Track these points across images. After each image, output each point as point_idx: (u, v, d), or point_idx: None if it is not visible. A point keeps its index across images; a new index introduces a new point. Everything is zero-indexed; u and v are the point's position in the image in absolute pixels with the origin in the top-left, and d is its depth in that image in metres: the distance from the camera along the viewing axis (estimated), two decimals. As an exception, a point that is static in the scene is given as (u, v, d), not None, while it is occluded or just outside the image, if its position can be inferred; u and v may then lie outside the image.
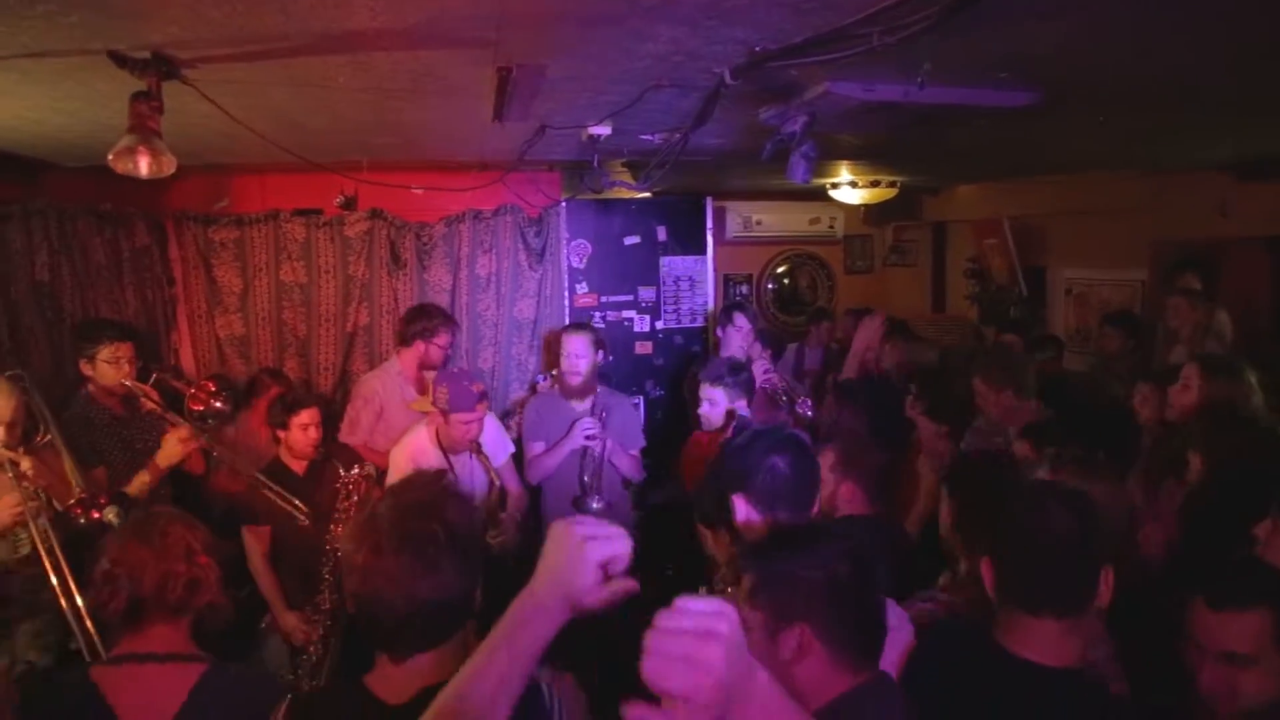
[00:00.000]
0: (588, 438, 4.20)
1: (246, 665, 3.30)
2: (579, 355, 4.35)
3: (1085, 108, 3.08)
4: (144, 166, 2.25)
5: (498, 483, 3.79)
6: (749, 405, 4.03)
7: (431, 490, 1.66)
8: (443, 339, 4.63)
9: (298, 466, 3.97)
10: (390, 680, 1.58)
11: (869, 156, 4.77)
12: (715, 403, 3.90)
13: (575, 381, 4.32)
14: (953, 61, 2.43)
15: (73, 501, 2.91)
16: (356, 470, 3.82)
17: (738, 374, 3.96)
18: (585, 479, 4.21)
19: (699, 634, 1.05)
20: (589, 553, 1.30)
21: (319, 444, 3.99)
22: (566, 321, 5.44)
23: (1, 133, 3.19)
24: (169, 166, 2.29)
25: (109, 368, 3.63)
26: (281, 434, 3.98)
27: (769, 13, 1.98)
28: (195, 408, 3.82)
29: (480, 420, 3.78)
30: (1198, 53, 2.36)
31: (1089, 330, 6.12)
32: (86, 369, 3.68)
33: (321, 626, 3.73)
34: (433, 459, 3.85)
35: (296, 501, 3.66)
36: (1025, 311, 6.40)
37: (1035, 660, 1.85)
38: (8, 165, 3.74)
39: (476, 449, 3.79)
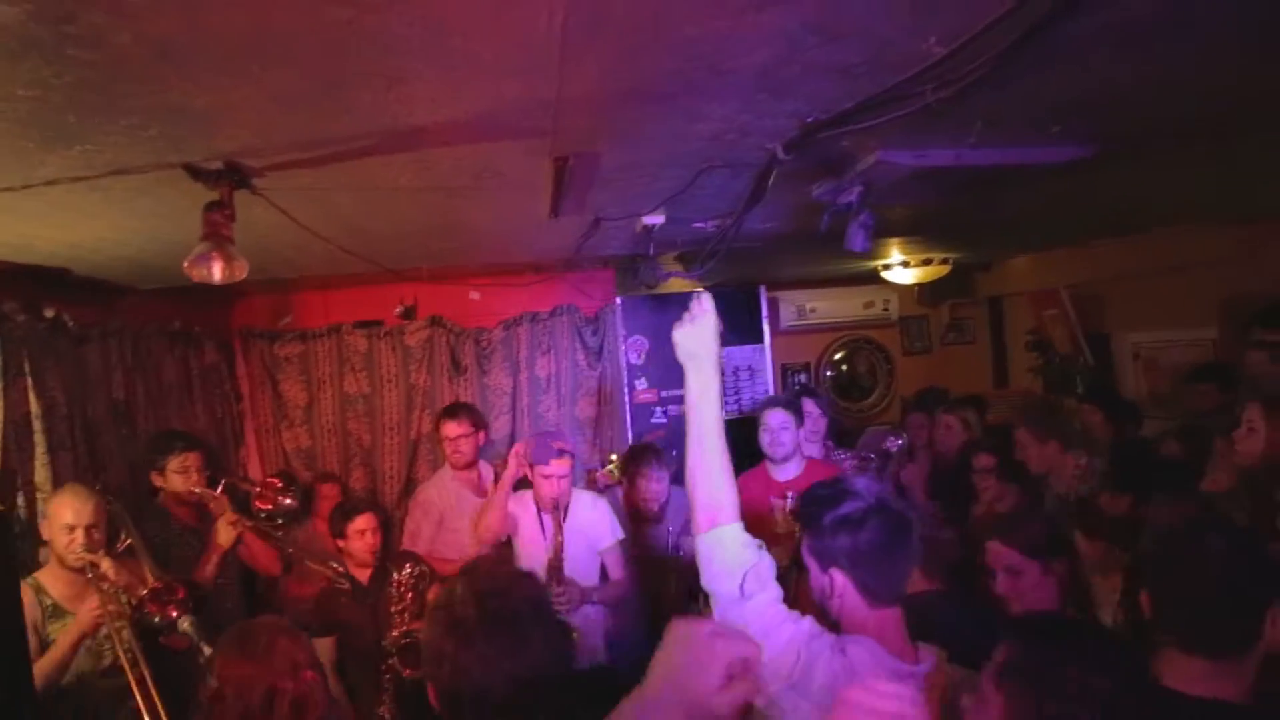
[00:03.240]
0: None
1: None
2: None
3: (1143, 156, 3.04)
4: (218, 272, 2.32)
5: (559, 538, 3.81)
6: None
7: (502, 570, 1.64)
8: (450, 428, 4.59)
9: (362, 575, 3.96)
10: None
11: (920, 232, 4.77)
12: (786, 426, 3.88)
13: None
14: (1004, 118, 2.43)
15: (145, 593, 2.90)
16: (409, 569, 3.82)
17: (794, 402, 4.03)
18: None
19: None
20: (718, 650, 1.20)
21: (378, 550, 3.99)
22: (628, 420, 5.43)
23: (86, 255, 3.32)
24: (241, 271, 2.35)
25: (178, 477, 3.70)
26: (341, 543, 3.99)
27: (819, 82, 2.00)
28: (264, 506, 3.86)
29: (560, 478, 3.83)
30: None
31: (1161, 394, 5.94)
32: (158, 480, 3.76)
33: (383, 736, 3.68)
34: (529, 512, 3.97)
35: (332, 564, 3.80)
36: (1093, 379, 6.24)
37: (1184, 691, 1.75)
38: (89, 290, 3.89)
39: (552, 507, 3.84)
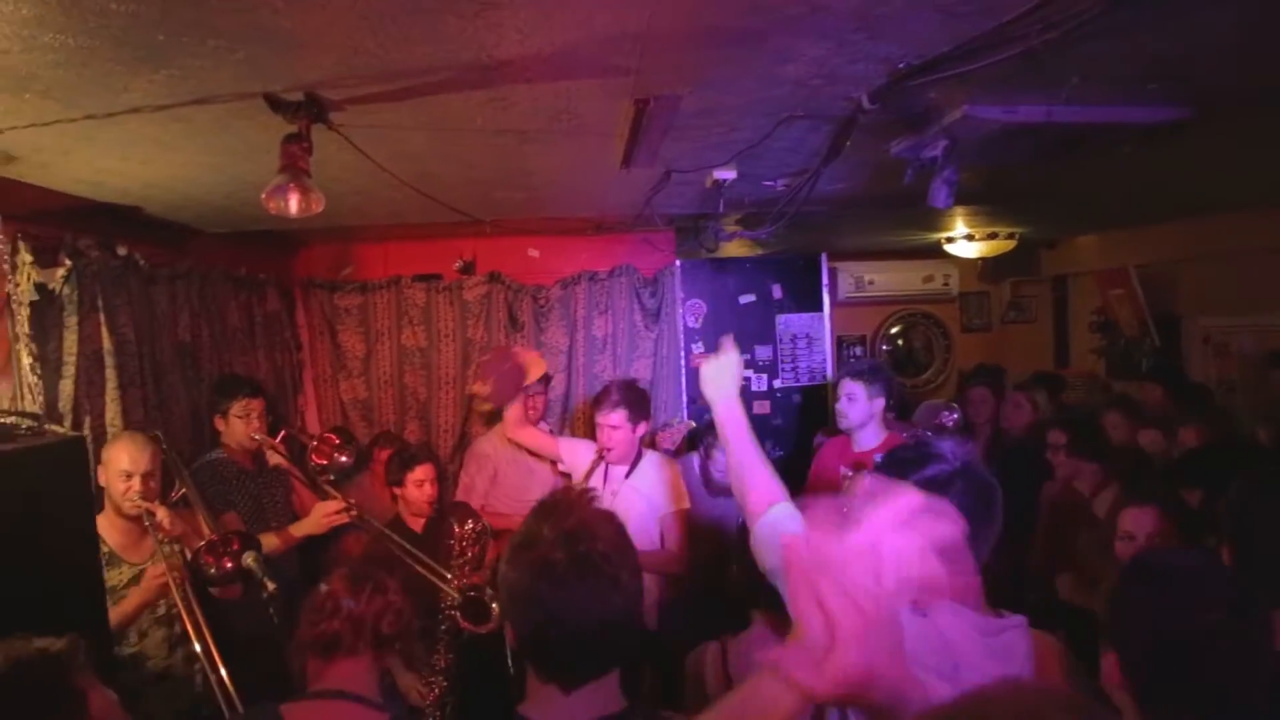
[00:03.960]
0: None
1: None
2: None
3: (1237, 123, 2.92)
4: (294, 204, 2.31)
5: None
6: (888, 407, 3.92)
7: (586, 510, 1.61)
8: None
9: (416, 524, 4.01)
10: (556, 710, 1.51)
11: (992, 201, 4.65)
12: (854, 398, 3.78)
13: None
14: (1101, 73, 2.34)
15: (202, 545, 2.91)
16: (470, 525, 3.83)
17: (878, 372, 3.84)
18: None
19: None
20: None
21: (435, 501, 4.02)
22: (683, 382, 5.39)
23: (158, 195, 3.35)
24: (317, 205, 2.34)
25: (240, 422, 3.75)
26: (398, 491, 4.04)
27: (919, 21, 1.93)
28: (319, 460, 3.87)
29: (610, 429, 3.87)
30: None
31: (1232, 380, 5.78)
32: (219, 423, 3.81)
33: (437, 687, 3.71)
34: (588, 460, 3.97)
35: (434, 566, 3.62)
36: (1158, 362, 6.09)
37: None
38: (159, 231, 3.93)
39: (600, 456, 3.89)
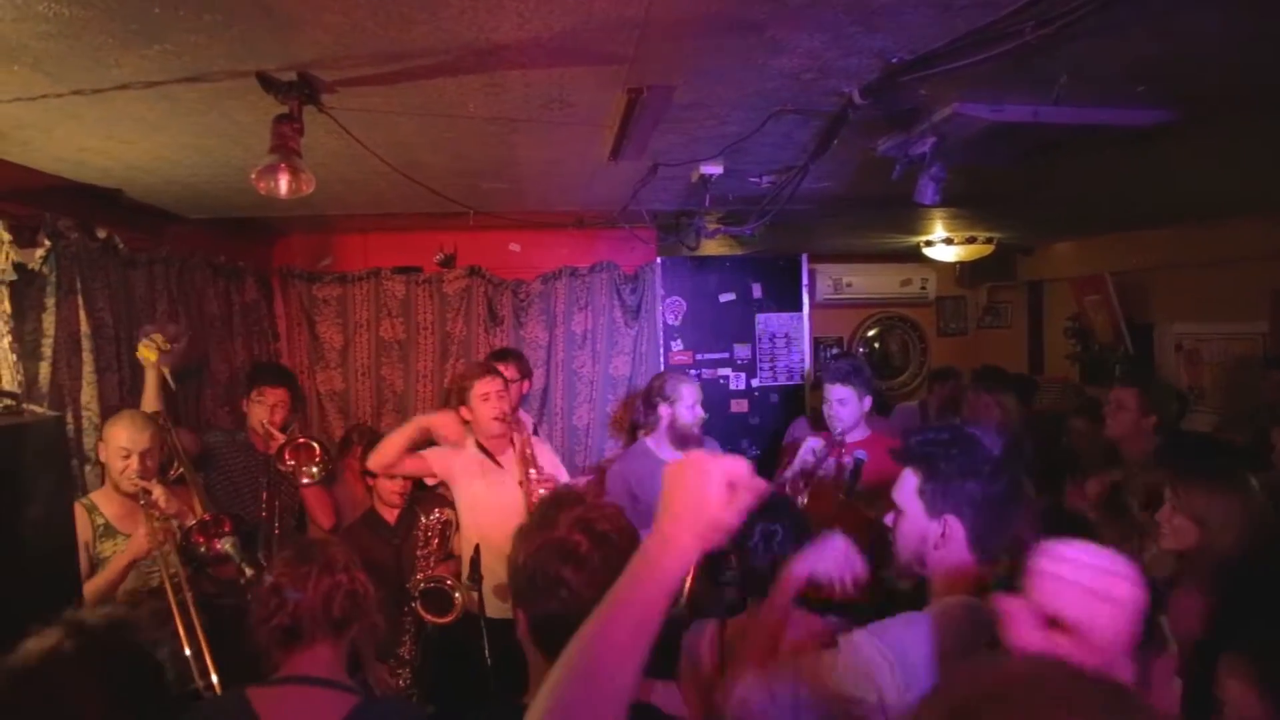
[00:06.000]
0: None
1: (399, 699, 3.40)
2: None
3: (1222, 126, 2.96)
4: (284, 184, 2.30)
5: (529, 479, 3.63)
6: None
7: (590, 497, 1.66)
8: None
9: (389, 515, 4.00)
10: None
11: (973, 204, 4.69)
12: (846, 402, 3.77)
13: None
14: (1090, 74, 2.36)
15: (194, 524, 2.97)
16: (436, 515, 3.85)
17: (861, 371, 3.84)
18: None
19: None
20: (714, 472, 1.24)
21: (406, 492, 4.00)
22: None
23: (140, 176, 3.31)
24: (308, 185, 2.33)
25: (257, 406, 3.96)
26: (372, 482, 4.03)
27: (914, 14, 1.94)
28: (289, 460, 3.83)
29: (498, 395, 3.73)
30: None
31: (1203, 387, 5.86)
32: (245, 406, 4.06)
33: (403, 678, 3.71)
34: (479, 461, 3.80)
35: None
36: (1131, 368, 6.16)
37: None
38: (140, 215, 3.90)
39: (503, 432, 3.76)
